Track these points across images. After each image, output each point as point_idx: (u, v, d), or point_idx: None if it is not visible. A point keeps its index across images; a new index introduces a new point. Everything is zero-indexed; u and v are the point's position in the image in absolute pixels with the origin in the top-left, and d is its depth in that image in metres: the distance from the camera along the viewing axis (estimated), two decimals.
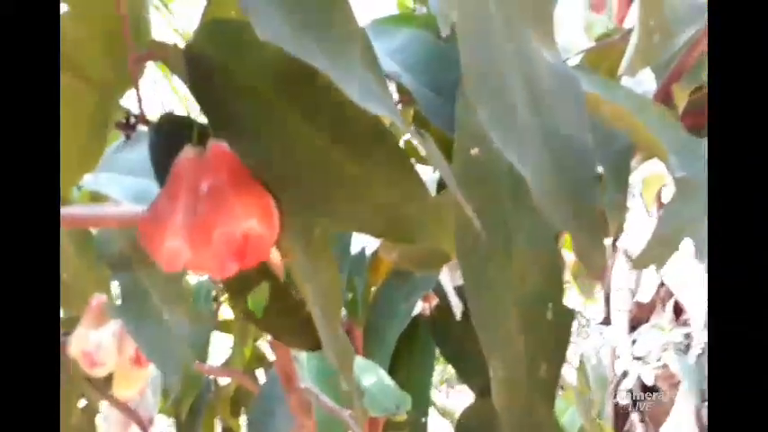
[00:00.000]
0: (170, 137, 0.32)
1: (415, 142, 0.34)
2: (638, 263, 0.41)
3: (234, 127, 0.28)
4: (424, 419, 0.65)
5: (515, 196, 0.35)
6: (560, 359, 0.34)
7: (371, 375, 0.65)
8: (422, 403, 0.66)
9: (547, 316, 0.33)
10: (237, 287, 0.33)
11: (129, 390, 0.53)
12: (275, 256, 0.35)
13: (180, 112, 0.37)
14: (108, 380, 0.93)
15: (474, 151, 0.36)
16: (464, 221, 0.34)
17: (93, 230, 0.56)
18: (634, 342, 2.14)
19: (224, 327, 0.98)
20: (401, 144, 0.38)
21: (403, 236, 0.28)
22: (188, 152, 0.29)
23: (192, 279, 0.86)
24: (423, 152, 0.63)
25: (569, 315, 0.33)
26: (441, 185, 0.53)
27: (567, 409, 0.87)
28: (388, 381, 0.65)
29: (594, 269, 0.23)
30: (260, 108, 0.28)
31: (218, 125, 0.28)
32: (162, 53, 0.31)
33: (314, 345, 0.34)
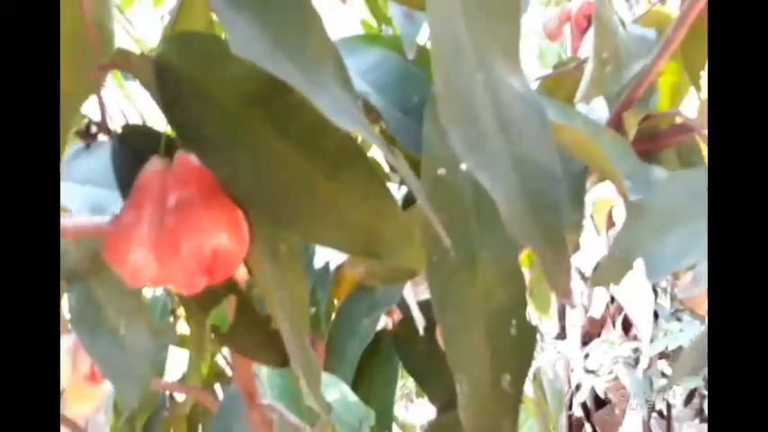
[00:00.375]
0: (134, 148, 0.31)
1: (385, 158, 0.34)
2: (595, 281, 0.42)
3: (203, 140, 0.28)
4: None
5: (480, 216, 0.36)
6: (524, 374, 0.35)
7: (334, 391, 0.64)
8: (385, 418, 0.66)
9: (511, 332, 0.34)
10: (202, 302, 0.32)
11: (82, 407, 0.50)
12: (240, 271, 0.34)
13: (134, 119, 0.36)
14: None
15: (441, 171, 0.36)
16: (432, 238, 0.34)
17: None
18: (587, 356, 2.21)
19: (180, 341, 0.95)
20: None
21: (373, 252, 0.28)
22: (155, 163, 0.28)
23: (148, 293, 0.83)
24: (387, 169, 0.63)
25: (532, 331, 0.34)
26: (405, 203, 0.53)
27: (526, 421, 0.89)
28: (352, 396, 0.64)
29: (562, 289, 0.24)
30: (230, 122, 0.27)
31: (187, 138, 0.28)
32: (127, 63, 0.30)
33: (281, 360, 0.33)
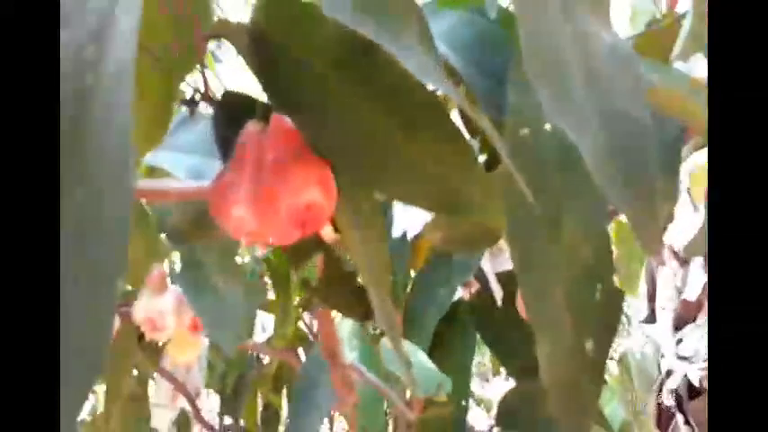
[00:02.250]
0: (233, 113, 0.34)
1: (468, 116, 0.34)
2: (690, 251, 0.40)
3: (294, 103, 0.29)
4: (464, 402, 0.66)
5: (565, 177, 0.35)
6: (609, 340, 0.34)
7: (412, 357, 0.66)
8: (462, 386, 0.67)
9: (596, 296, 0.33)
10: (294, 257, 0.34)
11: (185, 355, 0.56)
12: (328, 230, 0.36)
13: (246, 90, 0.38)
14: (158, 352, 0.98)
15: (524, 132, 0.36)
16: (514, 197, 0.34)
17: (146, 205, 0.59)
18: (679, 341, 2.07)
19: (267, 307, 1.02)
20: None
21: (456, 209, 0.29)
22: (252, 126, 0.30)
23: (237, 258, 0.89)
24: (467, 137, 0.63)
25: (619, 296, 0.34)
26: (486, 167, 0.53)
27: (610, 401, 0.86)
28: (429, 363, 0.66)
29: (650, 243, 0.24)
30: (319, 84, 0.29)
31: (280, 101, 0.30)
32: (226, 31, 0.32)
33: (364, 314, 0.35)
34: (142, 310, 0.52)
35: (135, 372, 0.95)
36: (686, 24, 0.50)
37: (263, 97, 0.33)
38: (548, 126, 0.35)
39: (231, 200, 0.28)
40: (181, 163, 0.49)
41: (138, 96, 0.35)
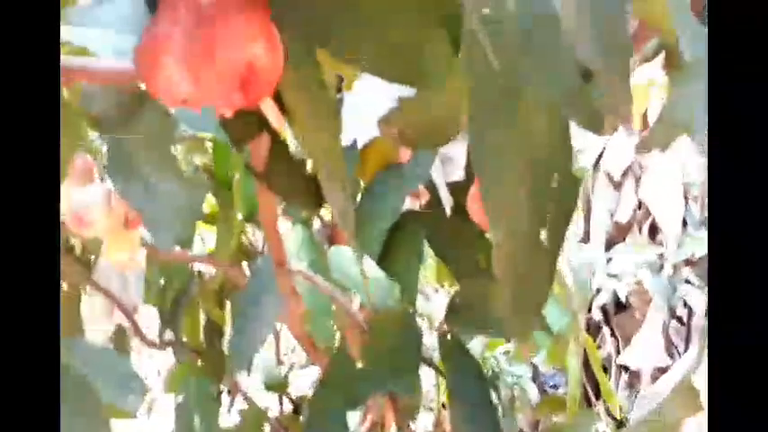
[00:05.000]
0: None
1: None
2: (644, 145, 0.40)
3: None
4: (411, 310, 0.67)
5: (526, 60, 0.33)
6: (562, 229, 0.34)
7: (359, 265, 0.66)
8: (410, 294, 0.67)
9: (552, 185, 0.33)
10: (236, 136, 0.31)
11: (121, 252, 0.53)
12: (273, 112, 0.33)
13: None
14: (88, 266, 0.93)
15: (485, 11, 0.34)
16: (474, 81, 0.32)
17: (66, 90, 0.53)
18: (609, 260, 2.22)
19: (208, 219, 0.98)
20: None
21: (415, 79, 0.26)
22: None
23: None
24: None
25: (575, 183, 0.33)
26: None
27: (551, 308, 0.91)
28: (377, 271, 0.66)
29: (621, 107, 0.22)
30: None
31: None
32: None
33: (315, 204, 0.33)
34: (66, 204, 0.47)
35: (65, 287, 0.90)
36: None
37: None
38: (511, 5, 0.33)
39: (162, 58, 0.24)
40: (103, 40, 0.43)
41: None
